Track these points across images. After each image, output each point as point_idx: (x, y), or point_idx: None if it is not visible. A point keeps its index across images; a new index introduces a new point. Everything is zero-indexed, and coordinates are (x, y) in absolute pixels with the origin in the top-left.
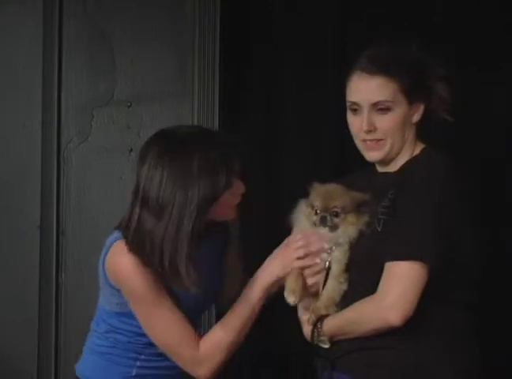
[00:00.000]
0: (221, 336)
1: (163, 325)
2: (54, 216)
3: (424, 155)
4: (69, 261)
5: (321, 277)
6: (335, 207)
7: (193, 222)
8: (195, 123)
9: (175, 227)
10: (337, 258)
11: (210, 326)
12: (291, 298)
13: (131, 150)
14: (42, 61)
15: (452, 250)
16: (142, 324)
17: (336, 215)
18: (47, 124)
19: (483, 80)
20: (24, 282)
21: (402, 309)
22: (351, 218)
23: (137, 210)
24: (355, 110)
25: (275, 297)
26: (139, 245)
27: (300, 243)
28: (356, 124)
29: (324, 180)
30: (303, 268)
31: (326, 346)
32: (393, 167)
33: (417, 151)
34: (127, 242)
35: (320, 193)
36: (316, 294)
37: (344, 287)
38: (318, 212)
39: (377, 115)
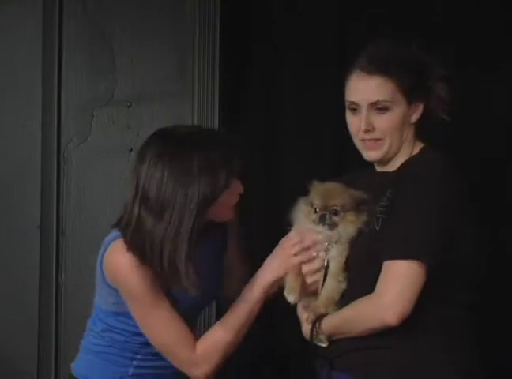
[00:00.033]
0: (221, 335)
1: (160, 325)
2: (54, 216)
3: (423, 154)
4: (69, 261)
5: (320, 276)
6: (334, 205)
7: (193, 221)
8: (195, 123)
9: (176, 226)
10: (336, 256)
11: (210, 326)
12: (290, 297)
13: (131, 150)
14: (42, 61)
15: (452, 250)
16: (139, 323)
17: (336, 213)
18: (47, 124)
19: (483, 80)
20: (24, 282)
21: (400, 308)
22: (350, 216)
23: (136, 209)
24: (353, 110)
25: (274, 297)
26: (138, 245)
27: (295, 240)
28: (355, 123)
29: (324, 180)
30: (301, 266)
31: (324, 345)
32: (392, 167)
33: (416, 150)
34: (126, 242)
35: (319, 191)
36: (315, 293)
37: (343, 285)
38: (318, 210)
39: (375, 115)
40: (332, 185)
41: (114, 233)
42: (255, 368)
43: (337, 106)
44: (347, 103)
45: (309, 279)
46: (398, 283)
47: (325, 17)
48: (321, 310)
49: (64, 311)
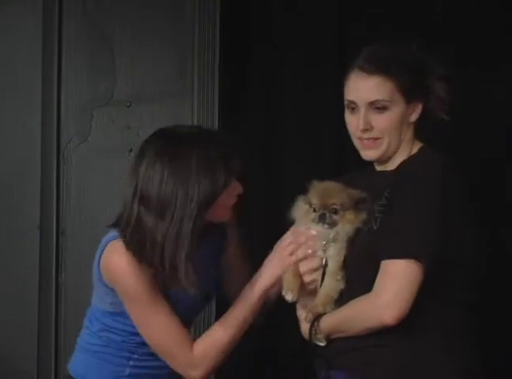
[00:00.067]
0: (221, 335)
1: (157, 326)
2: (54, 216)
3: (422, 154)
4: (69, 261)
5: (318, 275)
6: (334, 204)
7: (193, 221)
8: (195, 123)
9: (177, 225)
10: (334, 255)
11: (210, 326)
12: (288, 296)
13: (131, 150)
14: (42, 61)
15: (451, 250)
16: (136, 323)
17: (336, 212)
18: (47, 124)
19: (483, 80)
20: (24, 282)
21: (398, 308)
22: (349, 215)
23: (135, 208)
24: (352, 109)
25: (278, 300)
26: (138, 244)
27: (290, 239)
28: (353, 122)
29: (323, 180)
30: (299, 265)
31: (323, 344)
32: (391, 166)
33: (415, 150)
34: (125, 241)
35: (318, 190)
36: (314, 293)
37: (342, 284)
38: (317, 209)
39: (374, 114)
40: (330, 185)
41: (112, 233)
42: (255, 368)
43: (337, 106)
44: (346, 102)
45: (307, 278)
46: (396, 283)
47: (325, 17)
48: (320, 309)
49: (64, 311)
